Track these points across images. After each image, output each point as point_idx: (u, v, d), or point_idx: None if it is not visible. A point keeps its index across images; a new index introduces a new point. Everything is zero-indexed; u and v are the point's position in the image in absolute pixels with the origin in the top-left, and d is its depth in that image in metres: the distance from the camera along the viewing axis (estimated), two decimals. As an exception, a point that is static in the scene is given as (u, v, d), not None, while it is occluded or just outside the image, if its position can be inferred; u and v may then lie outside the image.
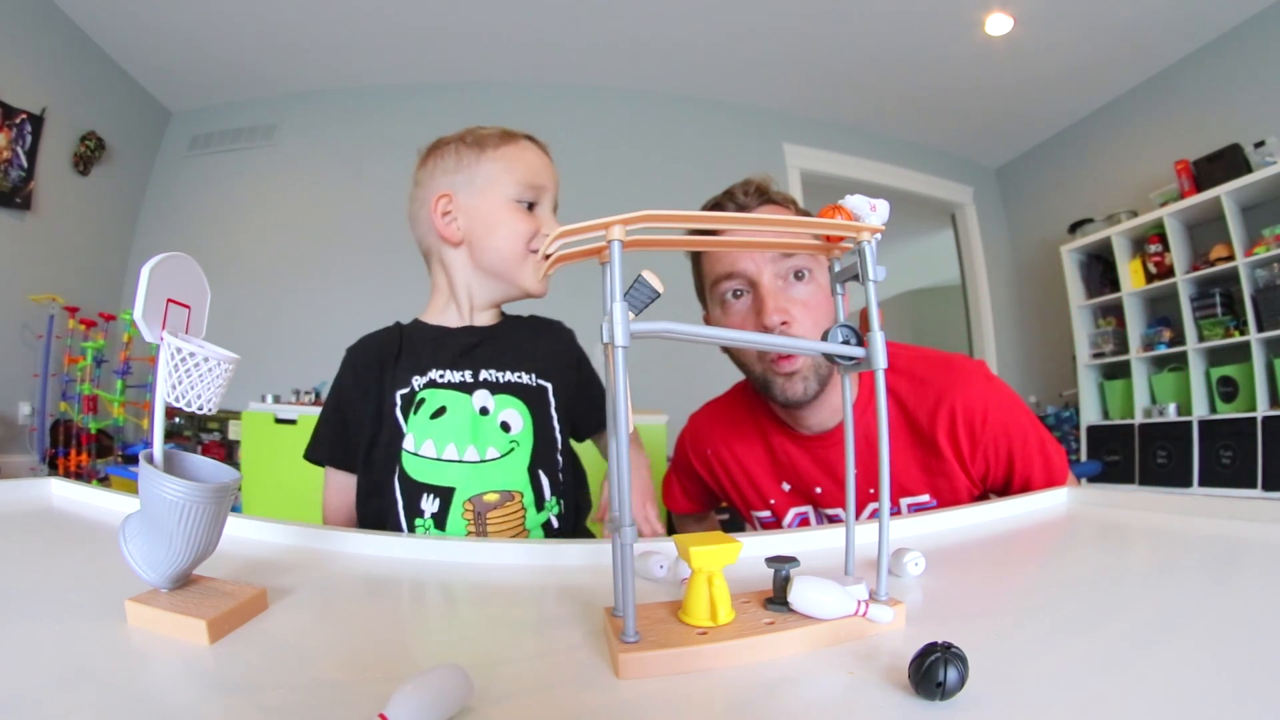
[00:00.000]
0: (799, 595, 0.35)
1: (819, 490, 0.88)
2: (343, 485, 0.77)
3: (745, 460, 0.95)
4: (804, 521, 0.91)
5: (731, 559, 0.35)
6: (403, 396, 0.72)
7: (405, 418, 0.72)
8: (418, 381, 0.72)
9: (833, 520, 0.88)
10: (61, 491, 0.76)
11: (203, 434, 3.15)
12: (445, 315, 0.81)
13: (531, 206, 0.78)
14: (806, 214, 0.80)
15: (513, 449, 0.72)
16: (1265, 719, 0.26)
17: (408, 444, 0.71)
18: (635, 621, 0.33)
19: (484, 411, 0.71)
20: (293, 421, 2.37)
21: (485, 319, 0.81)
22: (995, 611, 0.41)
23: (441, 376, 0.72)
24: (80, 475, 2.87)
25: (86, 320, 3.05)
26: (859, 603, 0.35)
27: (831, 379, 0.82)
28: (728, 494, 1.02)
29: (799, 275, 0.78)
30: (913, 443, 0.84)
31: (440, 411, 0.71)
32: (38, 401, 3.00)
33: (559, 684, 0.31)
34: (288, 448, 2.36)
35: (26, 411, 3.03)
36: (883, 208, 0.39)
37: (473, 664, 0.29)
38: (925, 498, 0.84)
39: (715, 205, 0.84)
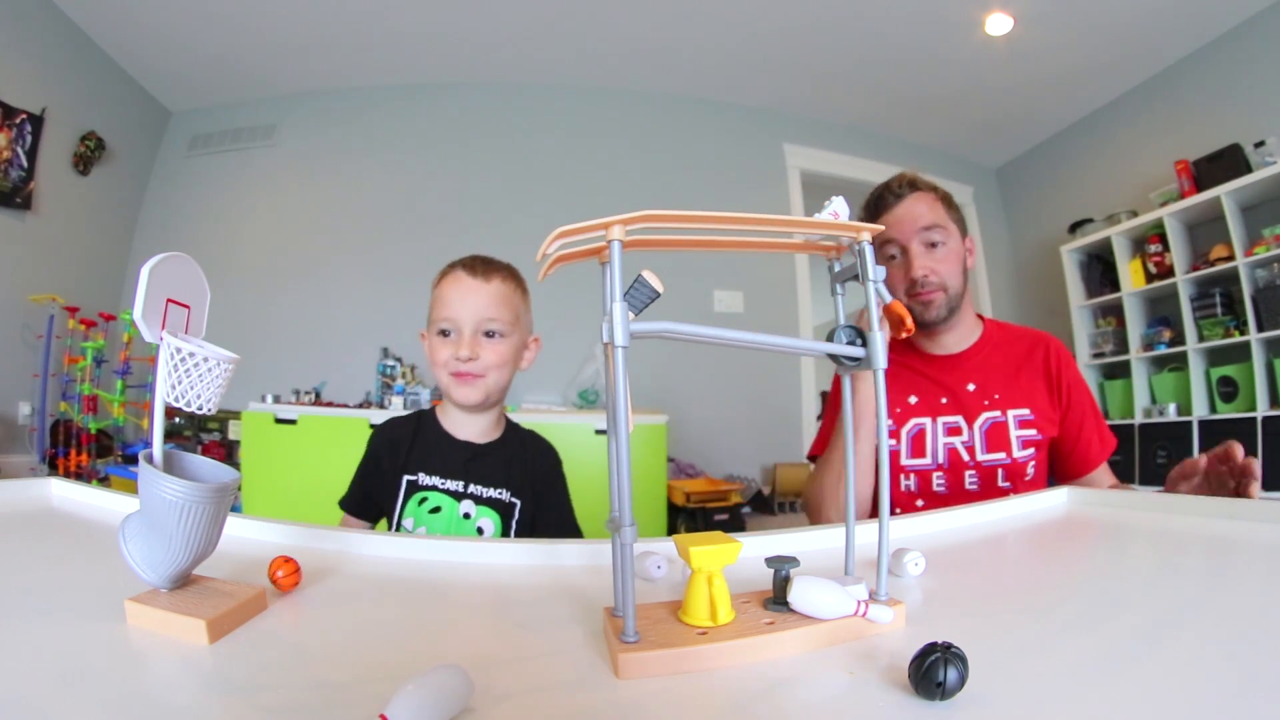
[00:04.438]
0: (799, 595, 0.35)
1: (944, 400, 1.05)
2: (354, 525, 0.97)
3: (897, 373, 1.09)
4: (920, 433, 1.04)
5: (731, 559, 0.35)
6: (409, 482, 0.93)
7: (408, 499, 0.92)
8: (424, 479, 0.93)
9: (951, 431, 1.03)
10: (61, 491, 0.76)
11: (203, 434, 3.16)
12: (449, 416, 0.99)
13: (450, 333, 0.93)
14: (949, 198, 1.06)
15: None
16: (1265, 718, 0.26)
17: (408, 524, 0.92)
18: (635, 621, 0.33)
19: (466, 516, 0.92)
20: (293, 421, 2.37)
21: (480, 428, 0.98)
22: (995, 611, 0.41)
23: (443, 483, 0.93)
24: (80, 475, 2.88)
25: (86, 320, 3.06)
26: (859, 603, 0.35)
27: (962, 307, 1.05)
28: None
29: (934, 244, 1.01)
30: (1023, 366, 1.05)
31: (436, 509, 0.91)
32: (38, 401, 3.00)
33: (559, 684, 0.31)
34: (288, 448, 2.36)
35: (26, 411, 3.03)
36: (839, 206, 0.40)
37: (473, 664, 0.29)
38: (1027, 411, 1.01)
39: (877, 198, 1.05)
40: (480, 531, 0.93)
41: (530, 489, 0.97)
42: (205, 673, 0.32)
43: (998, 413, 1.01)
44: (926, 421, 1.04)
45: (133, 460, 2.90)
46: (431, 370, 0.97)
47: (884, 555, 0.38)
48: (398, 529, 0.91)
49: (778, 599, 0.36)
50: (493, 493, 0.93)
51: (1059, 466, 1.05)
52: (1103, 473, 1.04)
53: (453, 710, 0.26)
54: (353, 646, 0.36)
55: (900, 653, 0.31)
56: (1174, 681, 0.29)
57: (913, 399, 1.06)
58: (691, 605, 0.35)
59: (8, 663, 0.31)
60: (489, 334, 0.93)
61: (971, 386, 1.04)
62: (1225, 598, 0.43)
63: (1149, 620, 0.38)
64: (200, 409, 0.39)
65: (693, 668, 0.32)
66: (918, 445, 1.03)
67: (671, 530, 2.77)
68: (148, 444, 0.39)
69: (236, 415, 2.61)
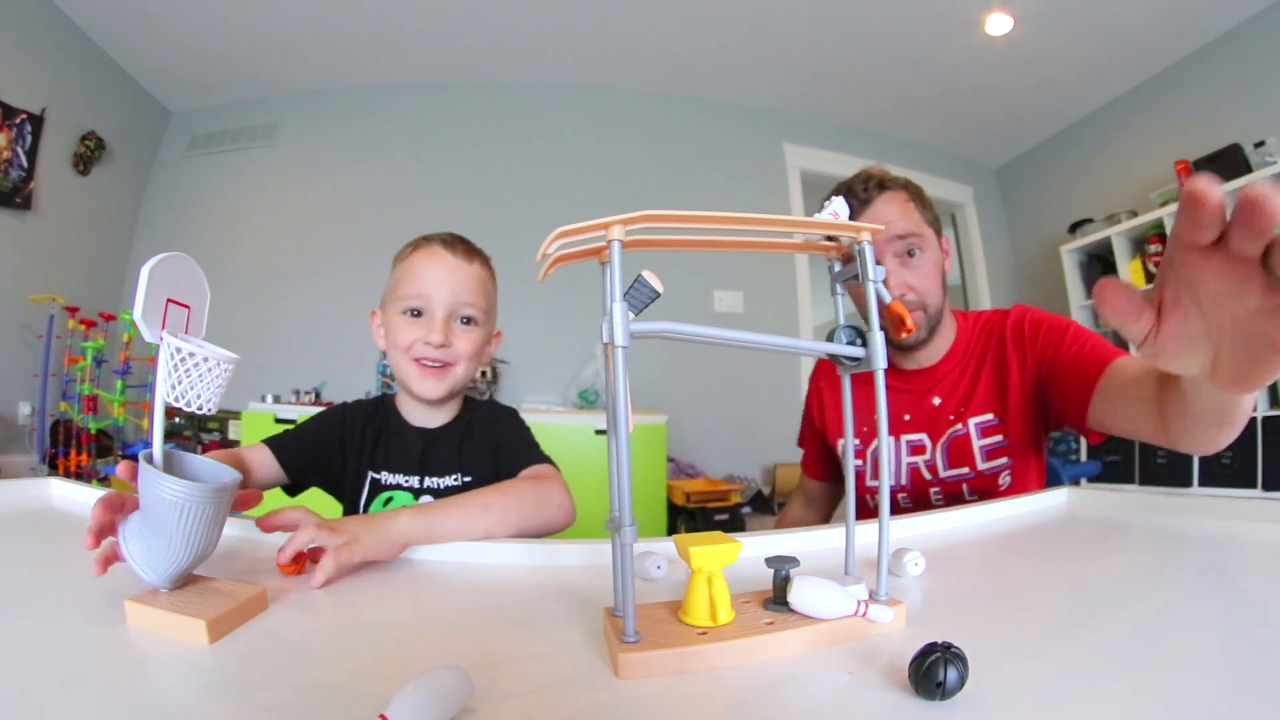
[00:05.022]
0: (799, 595, 0.35)
1: (907, 417, 1.00)
2: (261, 461, 0.83)
3: (839, 392, 1.04)
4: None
5: (731, 559, 0.35)
6: (374, 480, 0.88)
7: (373, 497, 0.87)
8: (386, 479, 0.88)
9: (915, 450, 0.99)
10: (61, 491, 0.76)
11: (203, 434, 3.15)
12: (406, 405, 0.92)
13: (421, 314, 0.85)
14: (920, 194, 0.99)
15: None
16: (1264, 717, 0.26)
17: None
18: (635, 621, 0.33)
19: None
20: (293, 421, 2.37)
21: (438, 415, 0.91)
22: (995, 611, 0.41)
23: (405, 480, 0.88)
24: (80, 475, 2.87)
25: (86, 320, 3.05)
26: (859, 603, 0.35)
27: (940, 323, 0.98)
28: (825, 426, 1.13)
29: (911, 253, 0.92)
30: (983, 365, 0.98)
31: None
32: (38, 401, 2.99)
33: (559, 684, 0.31)
34: (288, 448, 2.36)
35: (26, 411, 3.03)
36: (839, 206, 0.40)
37: (473, 664, 0.29)
38: (990, 416, 0.95)
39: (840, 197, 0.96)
40: None
41: (485, 456, 0.91)
42: (205, 673, 0.32)
43: (959, 426, 0.96)
44: (890, 441, 1.01)
45: (132, 460, 2.90)
46: (389, 355, 0.87)
47: (884, 555, 0.38)
48: None
49: (778, 599, 0.36)
50: (447, 480, 0.89)
51: (1080, 392, 0.84)
52: (1128, 361, 0.83)
53: (453, 710, 0.26)
54: (353, 646, 0.36)
55: (900, 653, 0.31)
56: (1173, 681, 0.29)
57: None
58: (691, 605, 0.35)
59: (8, 663, 0.31)
60: (465, 320, 0.86)
61: (937, 400, 0.99)
62: (1224, 598, 0.43)
63: (1148, 620, 0.38)
64: (200, 409, 0.39)
65: (693, 668, 0.32)
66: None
67: (671, 530, 2.77)
68: (148, 444, 0.39)
69: (236, 415, 2.61)
